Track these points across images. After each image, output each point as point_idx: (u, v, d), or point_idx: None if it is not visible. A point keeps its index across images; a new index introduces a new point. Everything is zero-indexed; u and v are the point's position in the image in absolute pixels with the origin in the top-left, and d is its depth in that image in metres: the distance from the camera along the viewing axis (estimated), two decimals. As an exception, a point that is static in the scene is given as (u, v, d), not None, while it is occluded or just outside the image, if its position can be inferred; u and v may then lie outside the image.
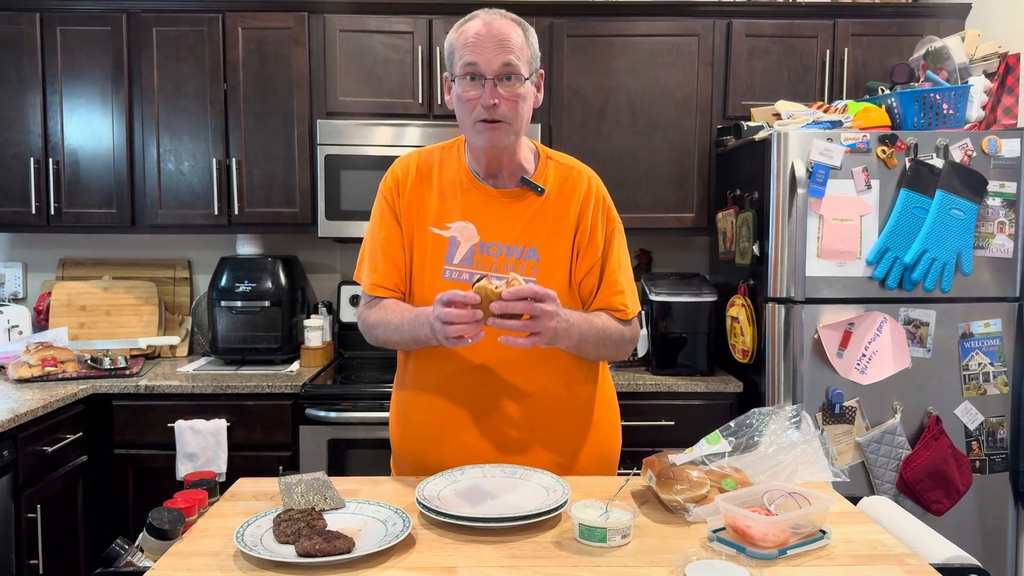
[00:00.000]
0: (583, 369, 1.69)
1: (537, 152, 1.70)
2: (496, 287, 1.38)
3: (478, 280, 1.40)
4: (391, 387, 1.80)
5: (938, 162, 2.57)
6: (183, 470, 2.75)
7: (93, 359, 2.95)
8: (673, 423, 2.82)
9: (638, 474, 1.55)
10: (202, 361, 3.21)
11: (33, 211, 3.07)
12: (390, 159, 3.05)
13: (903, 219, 2.57)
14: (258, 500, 1.50)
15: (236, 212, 3.11)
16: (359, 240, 3.03)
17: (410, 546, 1.28)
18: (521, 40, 1.55)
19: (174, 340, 3.28)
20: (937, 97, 2.65)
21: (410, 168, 1.68)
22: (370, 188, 3.03)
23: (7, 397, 2.58)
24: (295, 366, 3.11)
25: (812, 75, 3.13)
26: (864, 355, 2.59)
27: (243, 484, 1.59)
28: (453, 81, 1.59)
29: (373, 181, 3.03)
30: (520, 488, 1.48)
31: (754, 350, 2.77)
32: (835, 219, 2.58)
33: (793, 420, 1.55)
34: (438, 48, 3.07)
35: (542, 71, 1.64)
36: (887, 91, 2.86)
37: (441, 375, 1.64)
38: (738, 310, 2.83)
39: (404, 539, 1.27)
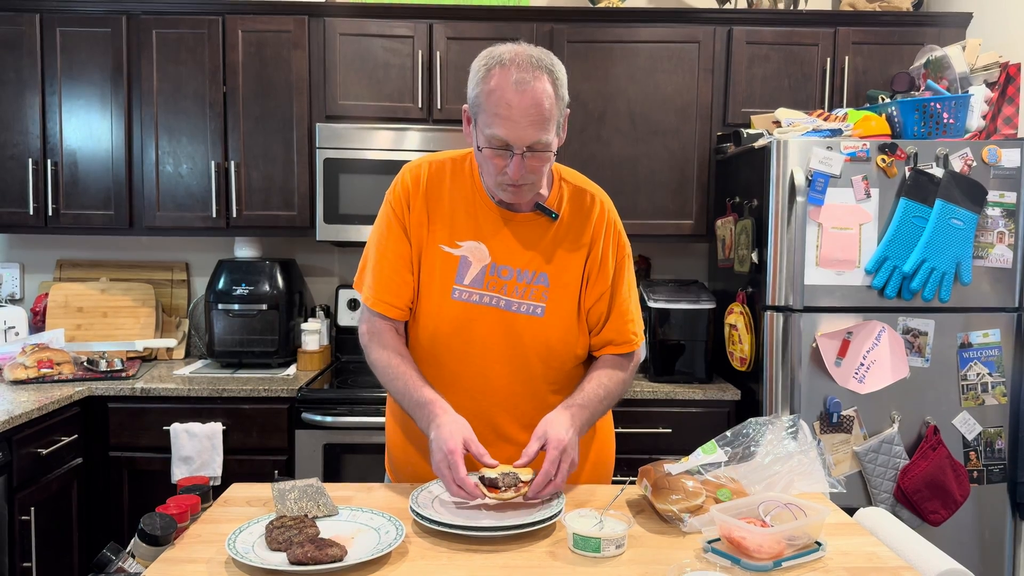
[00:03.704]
0: None
1: (551, 174, 1.65)
2: (504, 490, 1.36)
3: (483, 480, 1.38)
4: (387, 392, 1.78)
5: (938, 171, 2.57)
6: (178, 473, 2.74)
7: (89, 361, 2.94)
8: (670, 430, 2.81)
9: (634, 483, 1.54)
10: (199, 364, 3.20)
11: (31, 212, 3.07)
12: (390, 163, 3.09)
13: (902, 228, 2.56)
14: (251, 506, 1.50)
15: (234, 215, 3.10)
16: (357, 244, 3.03)
17: (403, 554, 1.28)
18: (552, 100, 1.45)
19: (171, 343, 3.27)
20: (937, 106, 2.65)
21: (420, 180, 1.62)
22: (369, 192, 3.05)
23: (2, 398, 2.57)
24: (292, 370, 3.10)
25: (812, 83, 3.12)
26: (862, 364, 2.58)
27: (236, 490, 1.59)
28: (474, 118, 1.51)
29: (372, 185, 3.06)
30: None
31: (752, 358, 2.76)
32: (834, 227, 2.58)
33: (790, 430, 1.54)
34: (438, 53, 3.06)
35: (568, 110, 1.55)
36: (887, 100, 2.86)
37: (440, 389, 1.61)
38: (736, 318, 2.82)
39: (397, 547, 1.26)
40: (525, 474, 1.40)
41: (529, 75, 1.43)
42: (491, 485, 1.36)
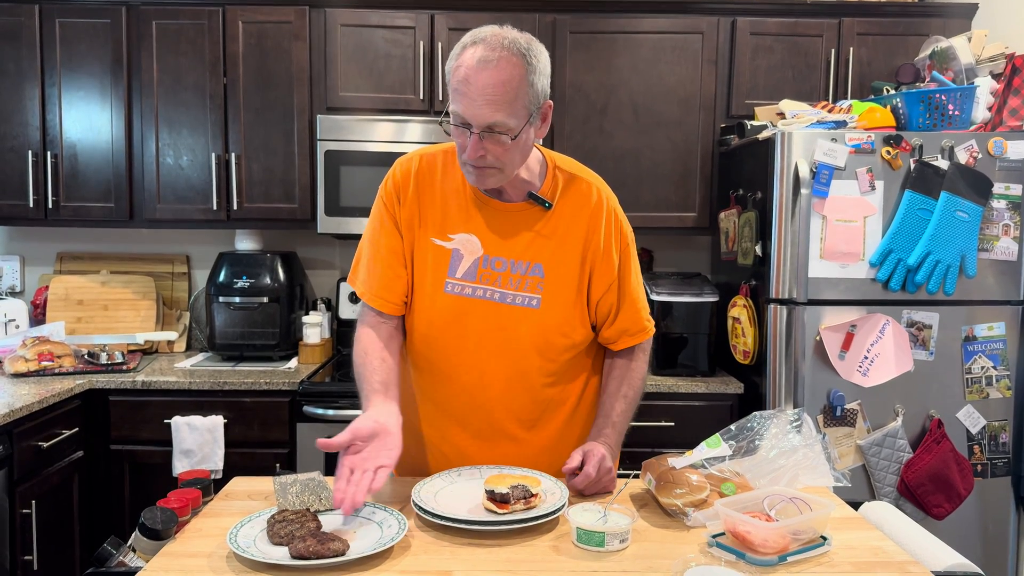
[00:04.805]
0: (581, 379, 1.67)
1: (544, 162, 1.62)
2: (514, 503, 1.34)
3: (494, 495, 1.35)
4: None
5: (943, 163, 2.55)
6: (179, 467, 2.73)
7: (90, 354, 2.93)
8: (673, 424, 2.80)
9: (637, 477, 1.53)
10: (200, 357, 3.20)
11: (31, 204, 3.06)
12: (391, 155, 3.07)
13: (907, 221, 2.54)
14: (253, 500, 1.49)
15: (235, 207, 3.09)
16: (359, 236, 3.01)
17: (405, 549, 1.27)
18: (517, 84, 1.40)
19: (172, 335, 3.26)
20: (943, 98, 2.63)
21: (411, 172, 1.60)
22: (370, 184, 3.03)
23: (3, 392, 2.57)
24: (293, 363, 3.10)
25: (817, 74, 3.10)
26: (866, 357, 2.57)
27: (238, 483, 1.58)
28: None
29: (373, 177, 3.04)
30: (517, 491, 1.46)
31: (755, 351, 2.75)
32: (838, 220, 2.56)
33: (794, 424, 1.53)
34: (439, 43, 3.05)
35: (550, 102, 1.50)
36: (892, 91, 2.84)
37: (437, 385, 1.61)
38: (740, 311, 2.81)
39: (399, 541, 1.26)
40: (535, 486, 1.38)
41: (495, 55, 1.39)
42: (502, 501, 1.34)
